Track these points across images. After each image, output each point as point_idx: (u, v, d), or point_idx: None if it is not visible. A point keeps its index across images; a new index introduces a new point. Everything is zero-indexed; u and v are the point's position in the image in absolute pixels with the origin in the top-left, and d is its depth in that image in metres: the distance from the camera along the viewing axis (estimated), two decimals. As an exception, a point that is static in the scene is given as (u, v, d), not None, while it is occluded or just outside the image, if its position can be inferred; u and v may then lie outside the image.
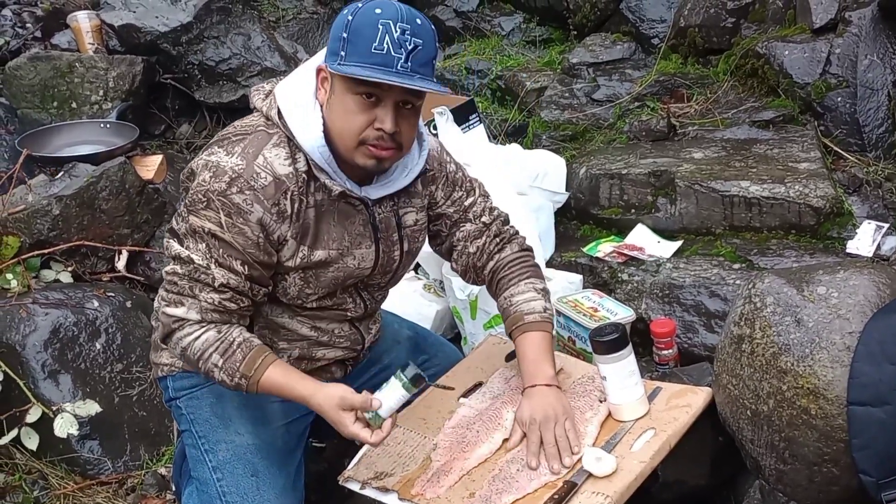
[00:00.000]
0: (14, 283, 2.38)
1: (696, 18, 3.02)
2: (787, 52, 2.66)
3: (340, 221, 1.53)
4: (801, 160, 2.39)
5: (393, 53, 1.36)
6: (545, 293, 1.69)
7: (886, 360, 1.38)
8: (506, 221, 1.75)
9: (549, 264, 2.41)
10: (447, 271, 2.27)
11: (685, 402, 1.65)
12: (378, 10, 1.38)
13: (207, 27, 3.38)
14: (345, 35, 1.38)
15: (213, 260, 1.45)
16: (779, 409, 1.48)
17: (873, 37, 2.55)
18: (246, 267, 1.46)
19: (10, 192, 2.57)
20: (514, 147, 2.75)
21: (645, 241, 2.38)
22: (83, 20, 3.37)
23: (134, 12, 3.35)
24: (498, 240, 1.71)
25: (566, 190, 2.61)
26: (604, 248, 2.39)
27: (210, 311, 1.47)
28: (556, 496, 1.45)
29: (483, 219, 1.71)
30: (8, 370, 2.18)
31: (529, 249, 1.75)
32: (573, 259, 2.41)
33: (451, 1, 3.77)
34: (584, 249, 2.41)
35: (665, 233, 2.40)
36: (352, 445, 2.03)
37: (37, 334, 2.27)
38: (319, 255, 1.51)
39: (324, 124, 1.46)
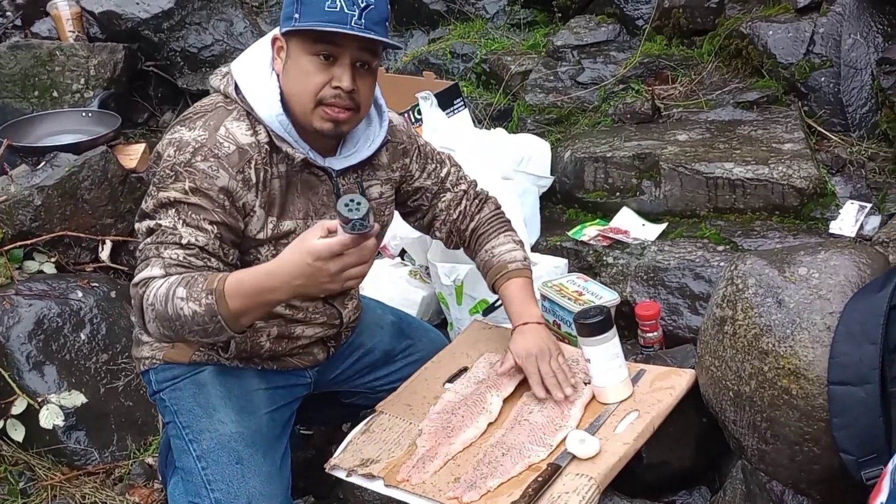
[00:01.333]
0: (-3, 274, 2.36)
1: (681, -1, 3.01)
2: (770, 32, 2.65)
3: (304, 192, 1.55)
4: (784, 141, 2.39)
5: (346, 11, 1.40)
6: (522, 245, 1.80)
7: (866, 339, 1.38)
8: (477, 185, 1.85)
9: (534, 248, 2.41)
10: (432, 257, 2.27)
11: (669, 384, 1.66)
12: None
13: (189, 13, 3.36)
14: None
15: (182, 221, 1.43)
16: (760, 390, 1.49)
17: (857, 16, 2.55)
18: (215, 227, 1.44)
19: (-9, 182, 2.55)
20: (500, 131, 2.74)
21: (630, 224, 2.39)
22: (63, 8, 3.34)
23: (114, -1, 3.32)
24: (477, 201, 1.81)
25: (551, 174, 2.60)
26: (589, 231, 2.39)
27: (173, 265, 1.42)
28: (540, 478, 1.46)
29: (461, 186, 1.80)
30: (-8, 362, 2.18)
31: (501, 207, 1.85)
32: (558, 243, 2.41)
33: (435, -16, 3.74)
34: (570, 233, 2.41)
35: (650, 215, 2.40)
36: (339, 432, 2.04)
37: (21, 326, 2.26)
38: (287, 225, 1.53)
39: (281, 94, 1.48)
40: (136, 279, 1.45)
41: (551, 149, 2.64)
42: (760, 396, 1.49)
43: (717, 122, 2.59)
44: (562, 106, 2.91)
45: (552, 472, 1.47)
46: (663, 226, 2.34)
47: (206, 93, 3.28)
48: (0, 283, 2.34)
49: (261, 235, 1.51)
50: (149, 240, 1.45)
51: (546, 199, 2.60)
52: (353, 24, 1.40)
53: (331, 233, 1.28)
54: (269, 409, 1.66)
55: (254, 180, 1.47)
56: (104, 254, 2.61)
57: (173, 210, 1.44)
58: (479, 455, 1.57)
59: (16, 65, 3.11)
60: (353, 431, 1.72)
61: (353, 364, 1.81)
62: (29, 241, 2.48)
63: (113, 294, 2.45)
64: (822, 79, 2.55)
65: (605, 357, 1.61)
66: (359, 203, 1.24)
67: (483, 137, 2.63)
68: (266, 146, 1.49)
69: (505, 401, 1.69)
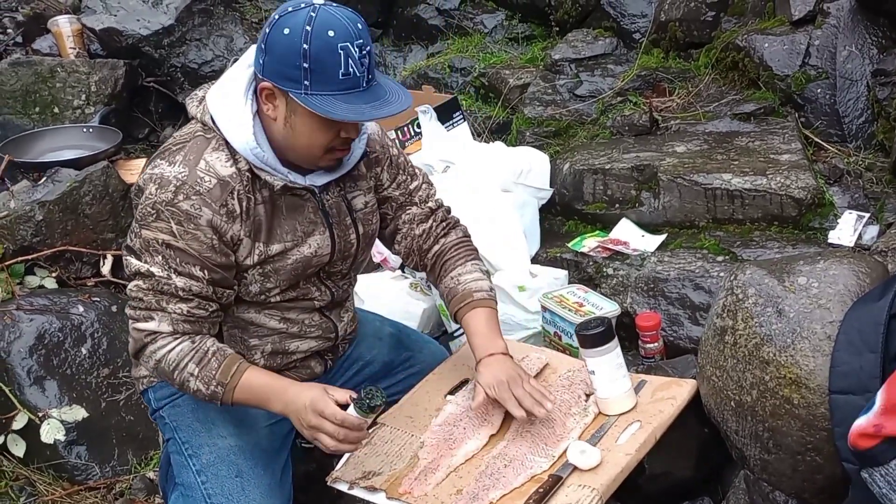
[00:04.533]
0: (-2, 289, 2.37)
1: (677, 13, 3.03)
2: (766, 45, 2.67)
3: (290, 213, 1.55)
4: (782, 152, 2.40)
5: (358, 74, 1.41)
6: (488, 275, 1.74)
7: (867, 348, 1.39)
8: (449, 210, 1.79)
9: (534, 260, 2.42)
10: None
11: (670, 395, 1.66)
12: (331, 33, 1.38)
13: (189, 29, 3.38)
14: (305, 65, 1.39)
15: (173, 269, 1.46)
16: (762, 400, 1.49)
17: (851, 28, 2.57)
18: (206, 271, 1.47)
19: (-8, 198, 2.56)
20: (498, 144, 2.76)
21: (629, 235, 2.39)
22: (64, 24, 3.36)
23: (115, 16, 3.34)
24: (444, 224, 1.76)
25: (550, 186, 2.61)
26: (588, 243, 2.40)
27: (181, 321, 1.48)
28: (541, 489, 1.46)
29: (429, 204, 1.75)
30: (-7, 377, 2.18)
31: (470, 236, 1.79)
32: (558, 255, 2.41)
33: (434, -1, 3.77)
34: (569, 245, 2.42)
35: (649, 227, 2.41)
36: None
37: (22, 341, 2.26)
38: (276, 248, 1.54)
39: (266, 132, 1.49)
40: (142, 328, 1.49)
41: (550, 161, 2.65)
42: (762, 406, 1.49)
43: (715, 133, 2.61)
44: (560, 119, 2.92)
45: (554, 483, 1.47)
46: (663, 237, 2.35)
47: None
48: (1, 299, 2.35)
49: (248, 261, 1.52)
50: (144, 286, 1.48)
51: (545, 210, 2.61)
52: (364, 84, 1.42)
53: (341, 405, 1.44)
54: (269, 422, 1.66)
55: (237, 211, 1.48)
56: (105, 268, 2.62)
57: (160, 257, 1.46)
58: (482, 467, 1.56)
59: (17, 81, 3.13)
60: (354, 444, 1.71)
61: (353, 377, 1.80)
62: (30, 256, 2.49)
63: (114, 308, 2.46)
64: (819, 90, 2.56)
65: (608, 368, 1.61)
66: (378, 393, 1.43)
67: (482, 150, 2.65)
68: (247, 174, 1.49)
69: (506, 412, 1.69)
